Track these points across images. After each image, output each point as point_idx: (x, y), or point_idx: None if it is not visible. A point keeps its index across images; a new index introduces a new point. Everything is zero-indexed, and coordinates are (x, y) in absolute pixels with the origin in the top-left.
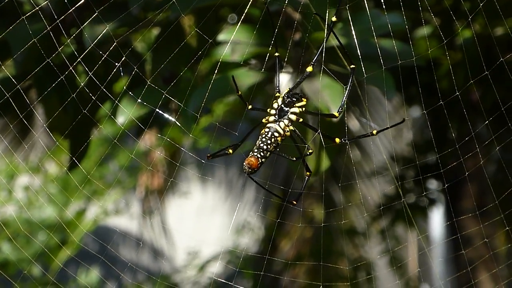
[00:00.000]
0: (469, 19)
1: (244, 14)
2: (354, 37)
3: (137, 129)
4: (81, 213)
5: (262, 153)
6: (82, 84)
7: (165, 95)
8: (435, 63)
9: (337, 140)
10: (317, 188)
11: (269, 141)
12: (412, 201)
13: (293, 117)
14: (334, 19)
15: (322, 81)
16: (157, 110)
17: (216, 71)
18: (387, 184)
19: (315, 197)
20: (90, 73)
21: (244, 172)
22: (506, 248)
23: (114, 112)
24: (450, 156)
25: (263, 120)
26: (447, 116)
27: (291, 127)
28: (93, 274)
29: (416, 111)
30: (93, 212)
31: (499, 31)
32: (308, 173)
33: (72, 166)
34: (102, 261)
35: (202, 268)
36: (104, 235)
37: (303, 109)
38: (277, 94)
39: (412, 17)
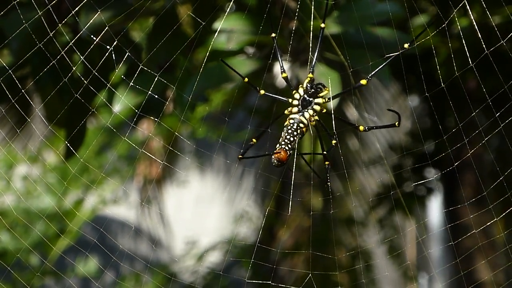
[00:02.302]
0: (455, 11)
1: (239, 3)
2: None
3: (134, 118)
4: (79, 202)
5: (289, 145)
6: (74, 68)
7: (158, 79)
8: (432, 52)
9: (361, 128)
10: (315, 178)
11: (295, 133)
12: (409, 190)
13: (317, 107)
14: (322, 25)
15: (318, 69)
16: (149, 92)
17: (211, 59)
18: (385, 173)
19: (314, 186)
20: (82, 57)
21: (273, 165)
22: (504, 235)
23: (110, 100)
24: (448, 145)
25: (285, 112)
26: (437, 105)
27: (316, 117)
28: (91, 263)
29: (414, 100)
30: (91, 201)
31: (496, 19)
32: (327, 162)
33: (69, 155)
34: (101, 250)
35: (200, 257)
36: (102, 225)
37: (326, 99)
38: (284, 75)
39: (409, 6)
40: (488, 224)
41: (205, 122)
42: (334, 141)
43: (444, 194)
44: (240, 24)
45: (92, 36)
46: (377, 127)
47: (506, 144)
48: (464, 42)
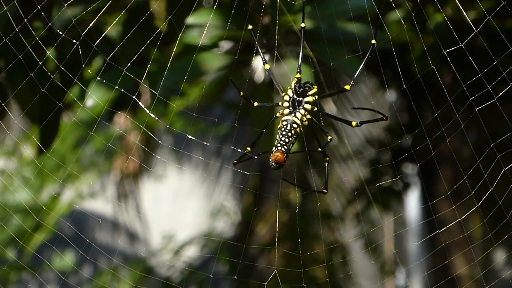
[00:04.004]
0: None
1: None
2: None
3: (109, 112)
4: (56, 197)
5: (286, 147)
6: (40, 63)
7: (131, 74)
8: (407, 47)
9: (354, 123)
10: (292, 172)
11: (289, 134)
12: (387, 184)
13: (308, 106)
14: (303, 25)
15: (290, 64)
16: (116, 87)
17: (184, 54)
18: (363, 167)
19: (291, 181)
20: (49, 53)
21: (271, 168)
22: (481, 230)
23: (83, 96)
24: (424, 140)
25: (277, 114)
26: (412, 100)
27: (309, 116)
28: (68, 258)
29: (392, 94)
30: (68, 195)
31: (471, 15)
32: (327, 158)
33: (42, 151)
34: (77, 244)
35: (177, 252)
36: (79, 219)
37: (316, 96)
38: (267, 66)
39: (383, 1)
40: (465, 218)
41: (181, 117)
42: (329, 137)
43: (421, 189)
44: (213, 18)
45: (58, 31)
46: (367, 122)
47: (483, 138)
48: (422, 38)
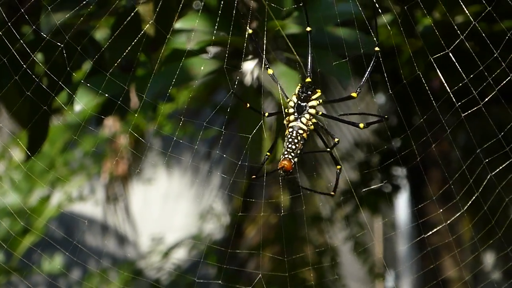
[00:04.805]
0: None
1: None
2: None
3: (98, 116)
4: (45, 200)
5: (293, 154)
6: (25, 66)
7: (120, 79)
8: (399, 50)
9: (361, 125)
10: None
11: (296, 140)
12: (376, 187)
13: (313, 110)
14: (308, 29)
15: (278, 69)
16: (100, 91)
17: (172, 59)
18: (352, 171)
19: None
20: (33, 56)
21: (280, 177)
22: (470, 233)
23: (71, 100)
24: (411, 143)
25: (284, 122)
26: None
27: (314, 120)
28: (57, 261)
29: (381, 98)
30: (58, 198)
31: (459, 19)
32: (338, 166)
33: (32, 153)
34: (66, 248)
35: (166, 254)
36: (68, 222)
37: (320, 100)
38: (270, 71)
39: (370, 5)
40: (454, 221)
41: (170, 120)
42: (336, 139)
43: (411, 191)
44: (201, 24)
45: (42, 34)
46: (372, 123)
47: (473, 141)
48: (412, 42)
